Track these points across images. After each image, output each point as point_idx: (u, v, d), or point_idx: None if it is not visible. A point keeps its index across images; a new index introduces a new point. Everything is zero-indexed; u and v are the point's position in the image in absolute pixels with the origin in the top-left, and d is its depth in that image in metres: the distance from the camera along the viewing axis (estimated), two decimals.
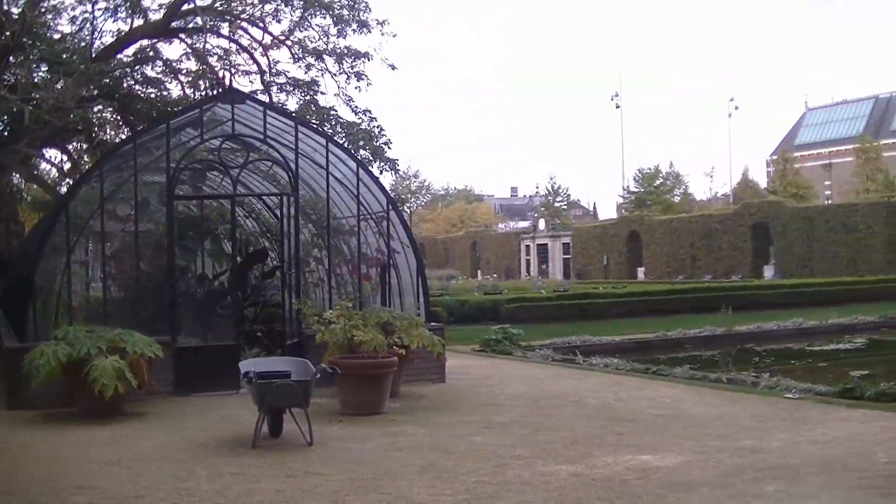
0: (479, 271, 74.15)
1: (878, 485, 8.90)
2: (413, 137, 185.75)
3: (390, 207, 17.64)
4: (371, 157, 32.20)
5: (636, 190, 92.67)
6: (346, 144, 29.06)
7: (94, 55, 26.82)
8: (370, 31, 32.49)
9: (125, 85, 29.09)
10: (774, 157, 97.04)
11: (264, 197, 20.83)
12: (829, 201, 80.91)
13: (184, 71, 31.10)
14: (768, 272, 54.81)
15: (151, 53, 30.89)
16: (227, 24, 31.44)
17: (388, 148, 33.15)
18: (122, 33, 29.54)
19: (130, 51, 30.47)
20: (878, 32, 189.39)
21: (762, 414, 12.92)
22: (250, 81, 32.49)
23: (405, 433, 12.06)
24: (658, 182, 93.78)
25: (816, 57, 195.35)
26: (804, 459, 9.89)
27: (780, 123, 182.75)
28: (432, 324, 16.96)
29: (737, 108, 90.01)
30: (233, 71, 31.53)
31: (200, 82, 30.57)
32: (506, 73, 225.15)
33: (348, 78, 32.97)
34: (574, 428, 12.17)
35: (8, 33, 22.45)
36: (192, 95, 29.52)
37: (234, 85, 25.64)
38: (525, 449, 10.86)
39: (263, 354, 15.52)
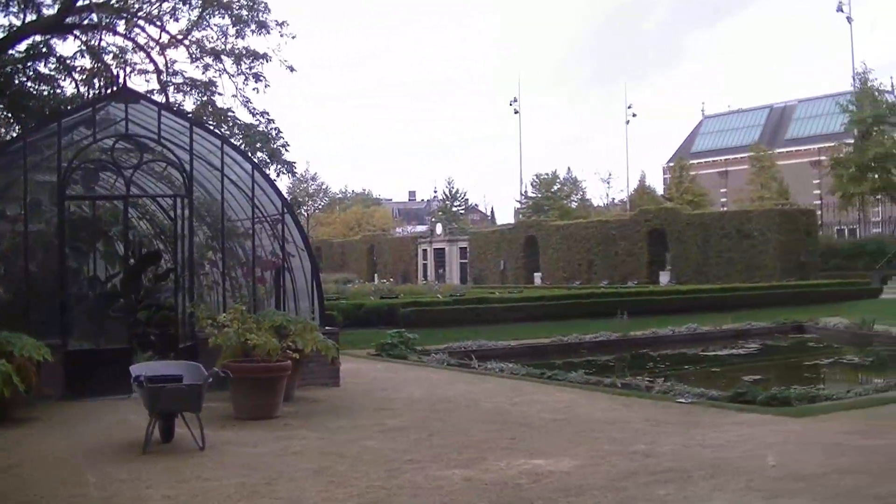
0: (376, 275, 73.96)
1: (767, 487, 9.02)
2: (313, 140, 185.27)
3: (285, 210, 17.50)
4: (268, 160, 32.02)
5: (534, 195, 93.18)
6: (243, 146, 28.88)
7: None
8: (269, 32, 32.32)
9: (16, 81, 28.58)
10: (671, 165, 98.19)
11: (158, 198, 20.54)
12: (725, 208, 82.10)
13: (78, 69, 30.64)
14: (664, 278, 55.34)
15: (45, 49, 30.39)
16: (123, 21, 31.06)
17: (286, 150, 33.00)
18: (14, 28, 29.01)
19: (22, 46, 29.95)
20: (773, 43, 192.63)
21: (655, 418, 13.03)
22: (146, 81, 32.13)
23: (299, 437, 11.97)
24: (556, 187, 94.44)
25: (715, 66, 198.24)
26: (696, 463, 9.98)
27: (678, 131, 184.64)
28: (327, 328, 16.84)
29: (634, 115, 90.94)
30: (128, 70, 31.15)
31: (95, 80, 30.14)
32: (408, 77, 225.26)
33: (246, 79, 32.79)
34: (468, 432, 12.16)
35: None
36: (87, 94, 29.10)
37: (130, 84, 25.23)
38: (419, 453, 10.83)
39: (157, 358, 15.31)
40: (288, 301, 17.60)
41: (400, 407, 14.50)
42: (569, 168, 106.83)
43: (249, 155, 24.28)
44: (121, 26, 31.21)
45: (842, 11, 72.07)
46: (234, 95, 32.79)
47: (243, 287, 18.27)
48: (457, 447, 11.14)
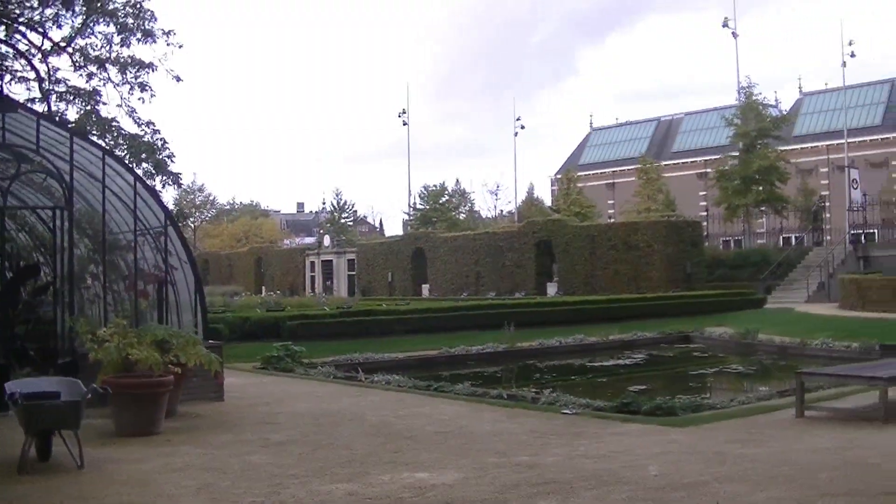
0: (263, 287, 73.43)
1: (649, 497, 9.07)
2: (200, 151, 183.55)
3: (168, 223, 17.25)
4: (153, 171, 31.58)
5: (422, 207, 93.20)
6: (127, 157, 28.44)
7: None
8: (156, 41, 31.90)
9: None
10: (559, 177, 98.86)
11: (38, 210, 20.12)
12: (612, 220, 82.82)
13: None
14: (552, 289, 55.59)
15: None
16: (3, 27, 30.43)
17: (172, 161, 32.58)
18: None
19: None
20: (662, 57, 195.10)
21: (540, 430, 13.05)
22: (28, 89, 31.52)
23: (181, 453, 11.76)
24: (444, 199, 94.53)
25: (604, 79, 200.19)
26: (578, 474, 10.00)
27: (566, 143, 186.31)
28: (211, 341, 16.63)
29: (523, 127, 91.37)
30: (8, 77, 30.54)
31: None
32: (298, 87, 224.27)
33: (132, 88, 32.33)
34: (352, 446, 12.06)
35: None
36: None
37: (10, 92, 24.79)
38: (302, 468, 10.71)
39: (35, 374, 14.96)
40: (171, 314, 17.34)
41: (284, 421, 14.35)
42: (457, 180, 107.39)
43: (133, 166, 23.97)
44: (0, 32, 30.62)
45: (727, 27, 73.16)
46: (119, 105, 32.34)
47: (125, 301, 17.96)
48: (340, 461, 11.04)
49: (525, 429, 13.18)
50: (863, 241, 59.06)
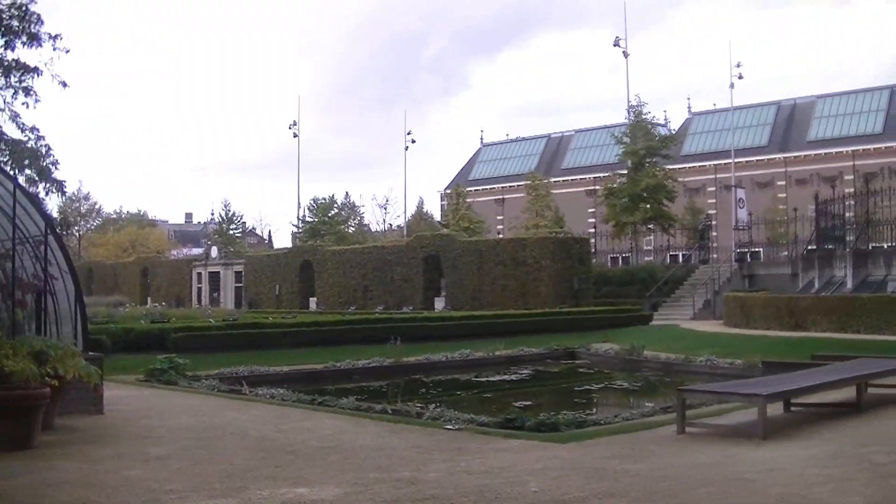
0: (149, 298, 72.47)
1: None
2: (87, 158, 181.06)
3: (49, 231, 16.90)
4: (36, 178, 31.02)
5: (311, 220, 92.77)
6: (9, 163, 27.87)
7: None
8: (41, 45, 31.35)
9: None
10: (448, 191, 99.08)
11: None
12: (501, 235, 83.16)
13: None
14: (440, 304, 55.63)
15: None
16: None
17: (56, 168, 32.04)
18: None
19: None
20: (553, 74, 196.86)
21: (423, 445, 12.98)
22: None
23: (56, 468, 11.46)
24: (333, 212, 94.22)
25: (495, 95, 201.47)
26: (459, 490, 9.94)
27: (457, 158, 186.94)
28: (91, 353, 16.31)
29: (413, 141, 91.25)
30: None
31: None
32: (191, 97, 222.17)
33: (15, 93, 31.75)
34: (233, 461, 11.88)
35: None
36: None
37: None
38: (180, 483, 10.50)
39: None
40: (50, 325, 16.98)
41: (165, 435, 14.11)
42: (347, 193, 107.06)
43: (16, 173, 23.48)
44: None
45: (618, 46, 73.91)
46: (2, 109, 31.75)
47: (2, 311, 17.55)
48: (220, 476, 10.85)
49: (408, 444, 13.11)
50: (748, 259, 60.05)
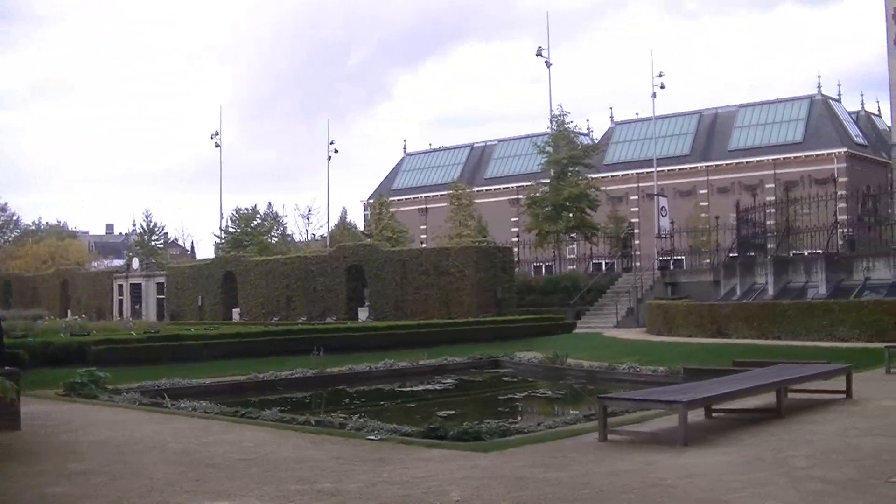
0: (69, 311, 71.58)
1: None
2: (7, 169, 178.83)
3: None
4: None
5: (234, 230, 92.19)
6: None
7: None
8: None
9: None
10: (371, 201, 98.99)
11: None
12: (425, 245, 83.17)
13: None
14: (363, 314, 55.48)
15: None
16: None
17: None
18: None
19: None
20: (477, 83, 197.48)
21: (345, 456, 12.91)
22: None
23: None
24: (256, 222, 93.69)
25: (419, 104, 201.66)
26: (380, 500, 9.91)
27: (381, 167, 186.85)
28: (7, 367, 16.06)
29: (336, 151, 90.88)
30: None
31: None
32: (110, 105, 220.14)
33: None
34: (153, 475, 11.72)
35: None
36: None
37: None
38: (100, 499, 10.35)
39: None
40: None
41: (85, 450, 13.89)
42: (270, 203, 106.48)
43: None
44: None
45: (541, 56, 74.16)
46: None
47: None
48: (140, 491, 10.71)
49: (330, 455, 13.03)
50: (671, 267, 60.55)
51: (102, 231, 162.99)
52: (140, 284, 75.66)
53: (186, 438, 14.94)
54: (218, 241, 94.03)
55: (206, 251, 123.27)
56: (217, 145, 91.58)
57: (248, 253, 76.58)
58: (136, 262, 79.51)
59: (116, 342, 32.42)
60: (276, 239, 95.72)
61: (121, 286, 77.01)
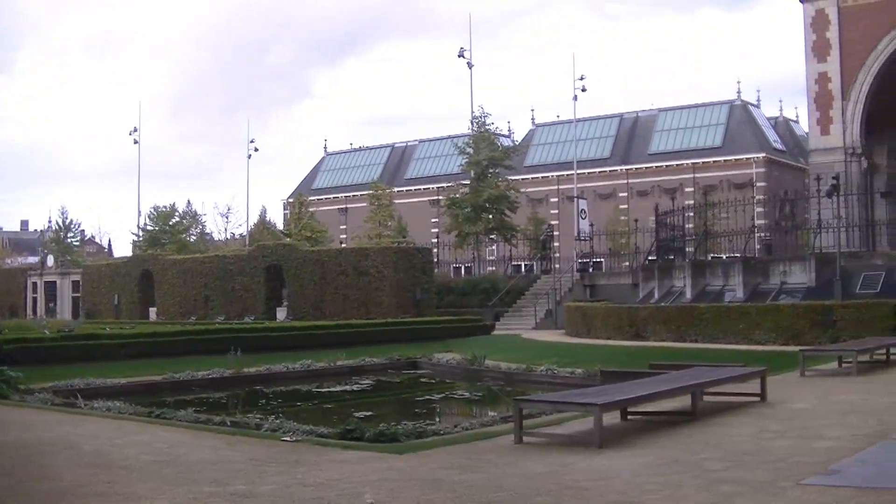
0: None
1: None
2: None
3: None
4: None
5: (152, 228, 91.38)
6: None
7: None
8: None
9: None
10: (291, 200, 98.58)
11: None
12: (344, 245, 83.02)
13: None
14: (281, 314, 55.17)
15: None
16: None
17: None
18: None
19: None
20: (398, 83, 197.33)
21: (259, 457, 12.79)
22: None
23: None
24: (174, 220, 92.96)
25: (339, 103, 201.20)
26: (295, 502, 9.82)
27: (302, 166, 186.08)
28: None
29: (256, 149, 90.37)
30: None
31: None
32: (27, 101, 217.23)
33: None
34: (63, 477, 11.51)
35: None
36: None
37: None
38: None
39: None
40: None
41: None
42: (189, 201, 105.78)
43: None
44: None
45: (463, 57, 74.23)
46: None
47: None
48: (50, 494, 10.51)
49: (245, 457, 12.91)
50: (590, 269, 60.80)
51: (17, 227, 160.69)
52: (55, 282, 74.78)
53: (99, 440, 14.73)
54: (136, 239, 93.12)
55: (123, 249, 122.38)
56: (136, 142, 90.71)
57: (165, 251, 76.00)
58: (50, 260, 78.66)
59: (29, 341, 31.94)
60: (194, 237, 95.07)
61: (35, 284, 76.08)
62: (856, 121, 48.22)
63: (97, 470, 12.01)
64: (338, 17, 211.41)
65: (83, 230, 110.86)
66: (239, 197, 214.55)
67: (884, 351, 25.50)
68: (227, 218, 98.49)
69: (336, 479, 11.07)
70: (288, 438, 14.43)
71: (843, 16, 48.49)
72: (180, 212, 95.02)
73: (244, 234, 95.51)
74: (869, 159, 50.69)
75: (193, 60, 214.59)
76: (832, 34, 48.65)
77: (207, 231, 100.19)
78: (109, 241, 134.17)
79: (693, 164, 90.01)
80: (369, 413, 21.65)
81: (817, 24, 49.06)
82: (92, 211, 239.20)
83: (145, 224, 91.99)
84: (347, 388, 28.41)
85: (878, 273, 36.83)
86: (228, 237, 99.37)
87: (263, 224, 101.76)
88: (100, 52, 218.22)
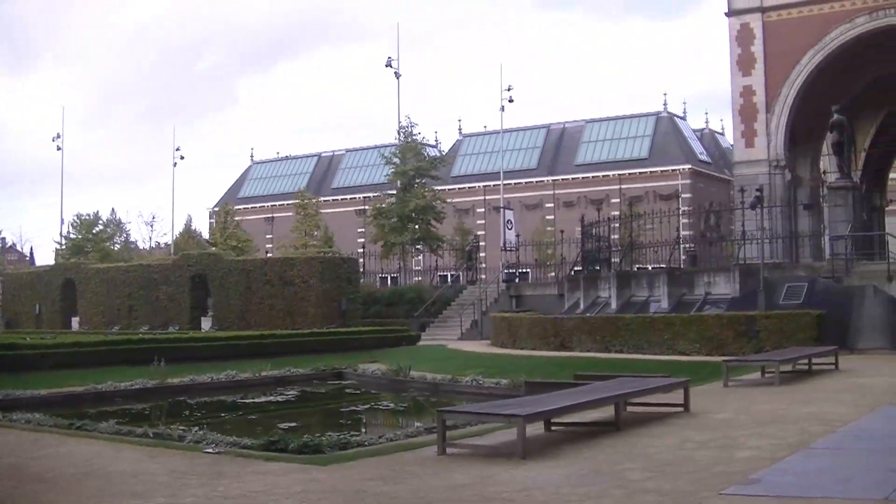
0: None
1: None
2: None
3: None
4: None
5: (74, 236, 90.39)
6: None
7: None
8: None
9: None
10: (217, 209, 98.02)
11: None
12: (270, 255, 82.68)
13: None
14: (206, 324, 54.78)
15: None
16: None
17: None
18: None
19: None
20: (326, 92, 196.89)
21: (181, 469, 12.67)
22: None
23: None
24: (98, 229, 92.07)
25: (266, 112, 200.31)
26: None
27: (228, 175, 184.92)
28: None
29: (182, 157, 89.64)
30: None
31: None
32: None
33: None
34: None
35: None
36: None
37: None
38: None
39: None
40: None
41: None
42: (113, 209, 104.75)
43: None
44: None
45: (391, 67, 74.27)
46: None
47: None
48: None
49: (166, 469, 12.77)
50: (516, 280, 60.98)
51: None
52: None
53: (16, 452, 14.52)
54: (58, 247, 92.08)
55: (46, 257, 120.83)
56: (59, 148, 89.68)
57: (89, 260, 75.18)
58: None
59: None
60: (118, 246, 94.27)
61: None
62: (780, 134, 48.83)
63: (15, 483, 11.86)
64: (269, 24, 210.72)
65: (3, 238, 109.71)
66: (164, 205, 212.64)
67: (806, 361, 25.84)
68: (152, 226, 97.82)
69: (258, 492, 11.00)
70: (210, 450, 14.30)
71: (768, 30, 49.11)
72: (104, 220, 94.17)
73: (169, 242, 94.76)
74: (792, 172, 51.38)
75: (119, 65, 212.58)
76: (757, 48, 49.25)
77: (132, 240, 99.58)
78: (31, 249, 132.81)
79: (619, 175, 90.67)
80: (294, 424, 21.53)
81: (742, 37, 49.64)
82: (13, 218, 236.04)
83: (68, 232, 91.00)
84: (272, 398, 28.20)
85: (801, 284, 37.22)
86: (153, 246, 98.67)
87: (189, 233, 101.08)
88: (23, 55, 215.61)
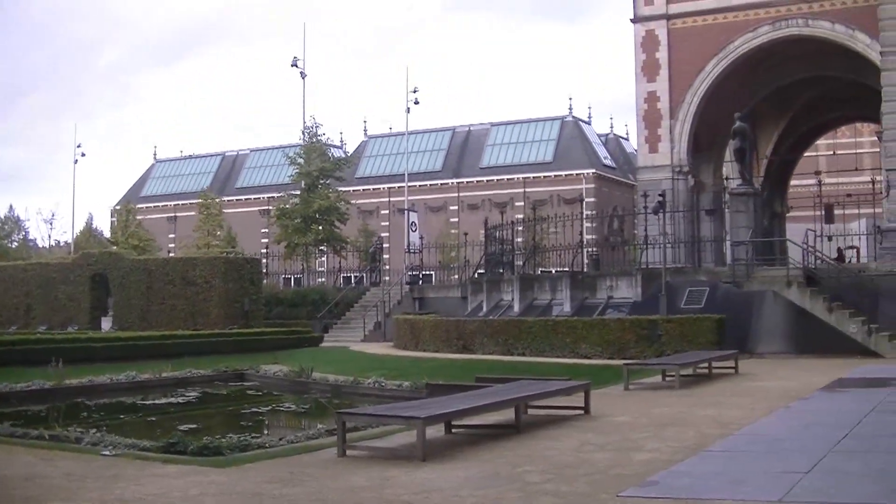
0: None
1: None
2: None
3: None
4: None
5: None
6: None
7: None
8: None
9: None
10: (118, 208, 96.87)
11: None
12: (173, 254, 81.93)
13: None
14: (106, 324, 54.08)
15: None
16: None
17: None
18: None
19: None
20: (231, 90, 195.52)
21: (76, 472, 12.47)
22: None
23: None
24: None
25: (169, 110, 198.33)
26: None
27: (131, 173, 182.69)
28: None
29: (84, 154, 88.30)
30: None
31: None
32: None
33: None
34: None
35: None
36: None
37: None
38: None
39: None
40: None
41: None
42: (11, 206, 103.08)
43: None
44: None
45: (297, 66, 73.89)
46: None
47: None
48: None
49: (61, 472, 12.57)
50: (420, 282, 60.97)
51: None
52: None
53: None
54: None
55: None
56: None
57: None
58: None
59: None
60: (16, 244, 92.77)
61: None
62: (683, 140, 49.49)
63: None
64: (170, 19, 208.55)
65: None
66: (65, 203, 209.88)
67: (706, 365, 26.19)
68: (51, 224, 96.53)
69: (155, 494, 10.88)
70: (108, 452, 14.12)
71: (673, 37, 49.74)
72: (1, 217, 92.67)
73: (69, 241, 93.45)
74: (695, 177, 52.06)
75: (17, 61, 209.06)
76: (662, 55, 49.85)
77: (30, 238, 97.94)
78: None
79: (524, 178, 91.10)
80: (195, 426, 21.37)
81: (647, 44, 50.21)
82: None
83: None
84: (173, 400, 27.94)
85: (702, 288, 37.72)
86: (53, 244, 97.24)
87: (90, 231, 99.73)
88: None
